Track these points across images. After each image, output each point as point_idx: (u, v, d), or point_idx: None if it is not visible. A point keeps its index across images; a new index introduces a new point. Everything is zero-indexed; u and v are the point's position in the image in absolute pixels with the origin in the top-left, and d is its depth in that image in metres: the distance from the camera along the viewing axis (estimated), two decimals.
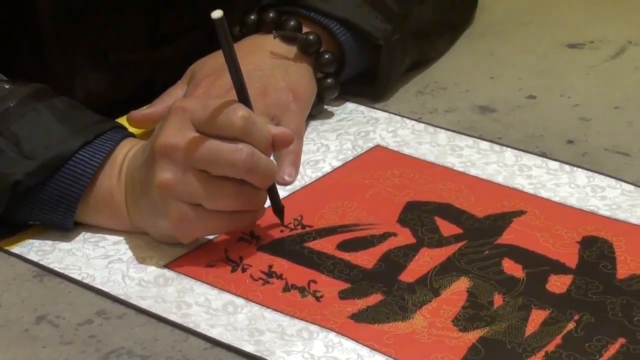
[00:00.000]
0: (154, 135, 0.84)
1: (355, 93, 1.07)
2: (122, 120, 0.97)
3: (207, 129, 0.82)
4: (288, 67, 1.04)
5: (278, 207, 0.89)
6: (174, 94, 0.98)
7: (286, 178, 0.95)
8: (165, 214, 0.83)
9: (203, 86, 0.94)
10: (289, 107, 0.99)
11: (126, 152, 0.90)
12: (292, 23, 1.04)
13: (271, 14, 1.06)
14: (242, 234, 0.87)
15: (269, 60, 1.04)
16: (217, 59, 0.95)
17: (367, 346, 0.72)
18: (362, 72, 1.09)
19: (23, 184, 0.85)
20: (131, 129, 0.96)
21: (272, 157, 0.91)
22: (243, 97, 0.84)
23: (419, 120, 1.02)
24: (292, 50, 1.04)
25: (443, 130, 1.00)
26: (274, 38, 1.03)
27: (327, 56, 1.04)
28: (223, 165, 0.82)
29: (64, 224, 0.88)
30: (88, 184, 0.88)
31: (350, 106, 1.04)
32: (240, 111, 0.82)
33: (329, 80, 1.04)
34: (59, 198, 0.88)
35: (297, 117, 0.99)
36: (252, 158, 0.82)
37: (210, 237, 0.87)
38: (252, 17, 1.07)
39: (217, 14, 0.82)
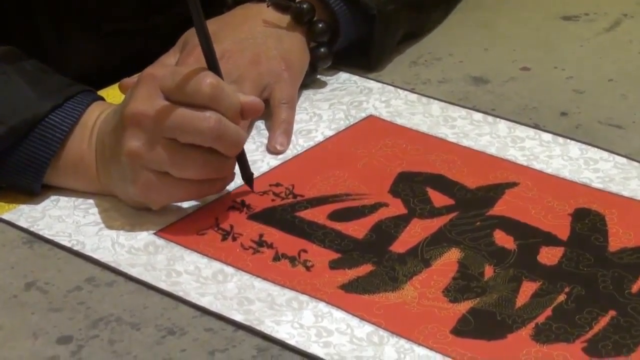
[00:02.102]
0: (123, 102, 0.84)
1: (348, 63, 1.07)
2: (114, 89, 0.97)
3: (176, 97, 0.82)
4: (281, 36, 1.04)
5: (247, 175, 0.89)
6: (167, 62, 0.97)
7: (278, 147, 0.95)
8: (133, 181, 0.84)
9: (195, 54, 0.93)
10: (281, 76, 1.00)
11: (97, 115, 0.90)
12: None
13: None
14: (234, 202, 0.86)
15: (262, 29, 1.04)
16: (209, 27, 0.94)
17: (357, 316, 0.72)
18: (356, 42, 1.09)
19: None
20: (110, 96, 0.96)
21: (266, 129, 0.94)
22: (213, 65, 0.84)
23: (412, 91, 1.02)
24: (285, 19, 1.03)
25: (436, 101, 1.00)
26: (267, 6, 1.02)
27: (320, 25, 1.04)
28: (191, 133, 0.82)
29: (32, 188, 0.88)
30: (58, 148, 0.89)
31: (343, 76, 1.05)
32: (209, 79, 0.83)
33: (322, 50, 1.04)
34: (29, 162, 0.88)
35: (289, 86, 1.00)
36: (219, 125, 0.83)
37: (201, 205, 0.86)
38: None
39: None
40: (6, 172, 0.88)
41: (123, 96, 0.90)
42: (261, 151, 0.93)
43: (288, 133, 0.96)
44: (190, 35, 0.99)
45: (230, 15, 1.04)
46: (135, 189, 0.84)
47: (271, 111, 0.97)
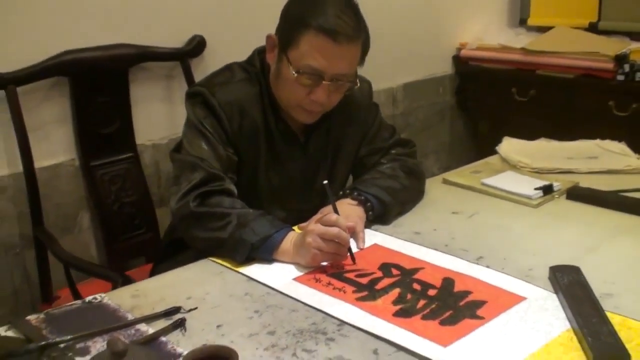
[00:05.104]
0: (303, 230, 1.15)
1: (378, 222, 1.34)
2: (296, 228, 1.24)
3: (322, 223, 1.12)
4: (356, 209, 1.31)
5: (352, 257, 1.16)
6: (317, 217, 1.18)
7: (361, 246, 1.23)
8: (307, 254, 1.13)
9: (325, 212, 1.18)
10: (358, 222, 1.26)
11: (293, 235, 1.18)
12: (355, 194, 1.33)
13: (347, 191, 1.34)
14: (322, 269, 1.13)
15: (351, 207, 1.31)
16: (330, 206, 1.20)
17: (360, 308, 1.01)
18: (380, 215, 1.34)
19: (254, 245, 1.15)
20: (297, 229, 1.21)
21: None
22: (335, 212, 1.15)
23: (393, 236, 1.28)
24: (356, 203, 1.32)
25: (407, 242, 1.26)
26: (351, 199, 1.32)
27: (368, 205, 1.32)
28: (328, 235, 1.11)
29: (268, 259, 1.17)
30: (277, 245, 1.16)
31: (371, 232, 1.30)
32: (335, 216, 1.13)
33: (369, 214, 1.32)
34: (267, 250, 1.17)
35: (361, 226, 1.27)
36: (339, 232, 1.11)
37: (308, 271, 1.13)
38: (341, 192, 1.35)
39: (325, 182, 1.16)
40: (258, 254, 1.16)
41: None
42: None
43: (364, 241, 1.24)
44: (325, 209, 1.24)
45: (338, 202, 1.29)
46: (307, 259, 1.13)
47: (356, 234, 1.24)
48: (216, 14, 2.00)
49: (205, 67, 1.97)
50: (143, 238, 1.90)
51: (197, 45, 1.95)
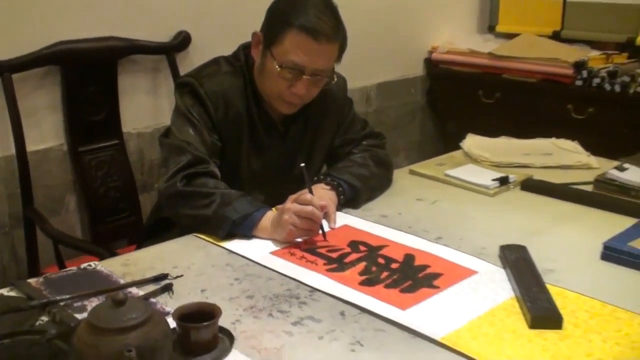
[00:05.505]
0: (280, 209, 1.23)
1: (349, 206, 1.43)
2: (274, 208, 1.30)
3: (298, 202, 1.21)
4: (329, 193, 1.39)
5: (324, 234, 1.25)
6: (294, 197, 1.25)
7: (332, 226, 1.32)
8: (283, 231, 1.22)
9: (302, 193, 1.25)
10: (331, 205, 1.34)
11: (271, 214, 1.27)
12: (328, 179, 1.41)
13: (322, 177, 1.42)
14: (297, 244, 1.23)
15: (324, 191, 1.39)
16: (306, 189, 1.27)
17: (329, 278, 1.11)
18: (351, 199, 1.42)
19: (236, 222, 1.24)
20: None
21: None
22: (310, 192, 1.24)
23: (364, 218, 1.38)
24: (330, 188, 1.40)
25: (375, 224, 1.35)
26: (325, 184, 1.40)
27: (340, 189, 1.41)
28: (302, 213, 1.21)
29: (248, 236, 1.25)
30: (256, 223, 1.24)
31: (342, 215, 1.39)
32: (309, 195, 1.22)
33: (341, 197, 1.41)
34: (247, 227, 1.25)
35: (333, 208, 1.35)
36: (312, 211, 1.20)
37: (285, 245, 1.23)
38: (315, 178, 1.42)
39: (302, 165, 1.23)
40: (238, 230, 1.24)
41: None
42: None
43: (335, 221, 1.32)
44: (302, 191, 1.27)
45: (313, 186, 1.33)
46: (284, 234, 1.22)
47: (328, 215, 1.32)
48: (201, 11, 2.10)
49: (189, 61, 2.06)
50: (126, 221, 1.99)
51: (182, 40, 2.04)
